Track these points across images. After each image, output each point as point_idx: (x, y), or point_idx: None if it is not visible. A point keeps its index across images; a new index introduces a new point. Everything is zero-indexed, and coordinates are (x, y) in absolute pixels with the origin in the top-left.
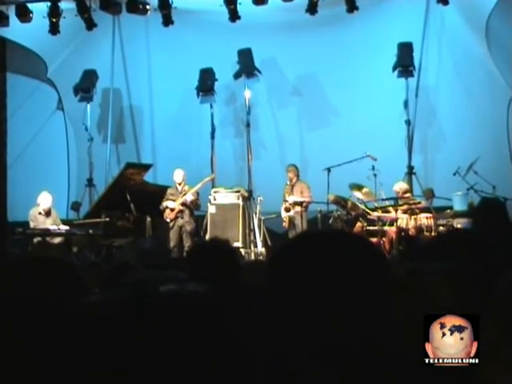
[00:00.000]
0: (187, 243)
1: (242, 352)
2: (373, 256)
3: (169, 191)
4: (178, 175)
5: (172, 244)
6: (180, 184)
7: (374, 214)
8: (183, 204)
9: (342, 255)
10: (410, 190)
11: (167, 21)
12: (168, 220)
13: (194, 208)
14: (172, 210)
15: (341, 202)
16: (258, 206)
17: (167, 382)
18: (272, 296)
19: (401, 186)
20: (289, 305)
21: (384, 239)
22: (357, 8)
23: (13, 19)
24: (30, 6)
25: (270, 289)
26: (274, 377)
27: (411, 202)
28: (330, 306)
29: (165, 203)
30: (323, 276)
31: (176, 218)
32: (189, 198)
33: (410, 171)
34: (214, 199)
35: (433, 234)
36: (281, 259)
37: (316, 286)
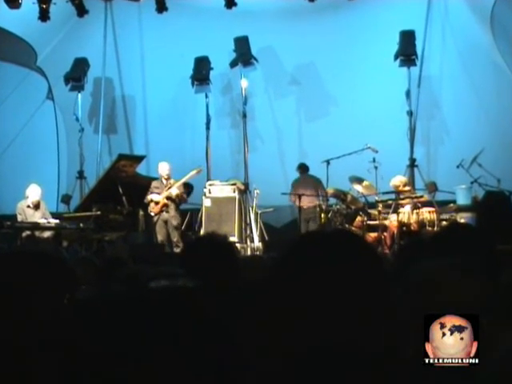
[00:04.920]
0: (174, 238)
1: (234, 345)
2: (371, 258)
3: (153, 184)
4: (164, 168)
5: (160, 238)
6: (165, 177)
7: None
8: (168, 198)
9: (341, 256)
10: (412, 183)
11: (161, 7)
12: (152, 214)
13: (180, 202)
14: (157, 203)
15: (340, 195)
16: (254, 200)
17: (158, 375)
18: (276, 293)
19: (400, 178)
20: (291, 302)
21: (385, 234)
22: None
23: (1, 5)
24: None
25: (275, 286)
26: (265, 371)
27: (413, 195)
28: (331, 306)
29: (149, 196)
30: (326, 276)
31: (161, 211)
32: (174, 191)
33: (412, 164)
34: (209, 192)
35: (435, 228)
36: (286, 258)
37: (319, 285)
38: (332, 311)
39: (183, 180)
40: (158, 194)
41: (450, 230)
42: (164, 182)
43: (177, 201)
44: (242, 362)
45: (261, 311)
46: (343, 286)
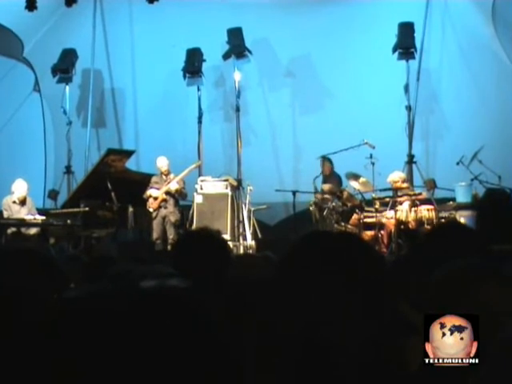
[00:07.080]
0: (171, 235)
1: (226, 348)
2: (372, 259)
3: (153, 179)
4: (162, 162)
5: (155, 235)
6: (164, 172)
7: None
8: (167, 193)
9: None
10: (410, 180)
11: None
12: (151, 210)
13: (180, 197)
14: (155, 198)
15: (336, 192)
16: (247, 196)
17: (148, 379)
18: (280, 291)
19: (399, 174)
20: (294, 301)
21: (382, 232)
22: None
23: None
24: None
25: (279, 285)
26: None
27: (411, 192)
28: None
29: (148, 191)
30: (328, 276)
31: (159, 207)
32: (173, 186)
33: (411, 160)
34: (201, 188)
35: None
36: (290, 257)
37: (321, 285)
38: (334, 311)
39: (182, 174)
40: (158, 189)
41: (442, 230)
42: (164, 177)
43: (176, 196)
44: (239, 363)
45: (261, 311)
46: (346, 286)
